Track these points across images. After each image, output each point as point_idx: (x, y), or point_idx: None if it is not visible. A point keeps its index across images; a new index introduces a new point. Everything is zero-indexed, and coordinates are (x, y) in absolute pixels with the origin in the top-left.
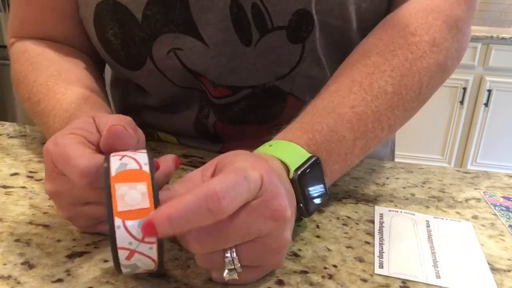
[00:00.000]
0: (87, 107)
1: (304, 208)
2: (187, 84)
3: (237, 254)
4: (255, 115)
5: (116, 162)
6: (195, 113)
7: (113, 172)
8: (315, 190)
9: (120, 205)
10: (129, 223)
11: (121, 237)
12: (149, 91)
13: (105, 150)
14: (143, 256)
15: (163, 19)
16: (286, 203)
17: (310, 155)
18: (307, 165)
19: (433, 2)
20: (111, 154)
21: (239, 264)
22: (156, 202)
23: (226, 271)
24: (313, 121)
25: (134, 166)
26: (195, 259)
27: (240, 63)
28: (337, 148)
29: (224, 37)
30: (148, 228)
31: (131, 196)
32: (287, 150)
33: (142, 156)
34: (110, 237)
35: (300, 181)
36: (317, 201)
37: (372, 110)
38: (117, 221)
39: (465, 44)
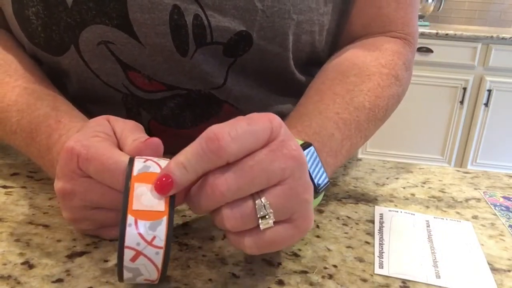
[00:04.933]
0: (75, 112)
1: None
2: (113, 80)
3: (268, 201)
4: (190, 112)
5: (139, 163)
6: (124, 115)
7: (135, 172)
8: (316, 169)
9: (135, 204)
10: (140, 222)
11: (131, 236)
12: (70, 77)
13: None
14: (148, 260)
15: (96, 9)
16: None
17: (302, 142)
18: (303, 147)
19: (396, 45)
20: (136, 157)
21: (271, 210)
22: (171, 208)
23: (260, 220)
24: (301, 120)
25: (157, 169)
26: (225, 222)
27: (176, 67)
28: (328, 142)
29: (160, 41)
30: (165, 181)
31: (148, 197)
32: None
33: (166, 163)
34: (119, 235)
35: None
36: (321, 180)
37: (354, 119)
38: (130, 219)
39: (410, 81)
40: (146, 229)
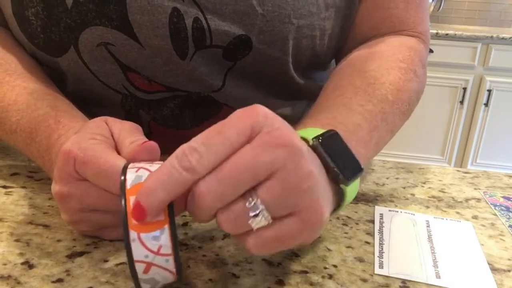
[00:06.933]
0: (75, 112)
1: (339, 171)
2: (113, 81)
3: (259, 198)
4: (190, 113)
5: (132, 174)
6: (123, 116)
7: (128, 184)
8: (343, 155)
9: None
10: (143, 235)
11: (137, 251)
12: (69, 78)
13: (129, 160)
14: (161, 269)
15: (95, 10)
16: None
17: (324, 130)
18: (326, 135)
19: (410, 41)
20: (129, 166)
21: (263, 206)
22: (171, 214)
23: (252, 220)
24: (323, 113)
25: None
26: (223, 227)
27: (175, 69)
28: (355, 132)
29: (159, 44)
30: (136, 209)
31: None
32: (301, 132)
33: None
34: (126, 251)
35: (323, 146)
36: (350, 168)
37: (379, 111)
38: (132, 234)
39: (426, 80)
40: (150, 241)
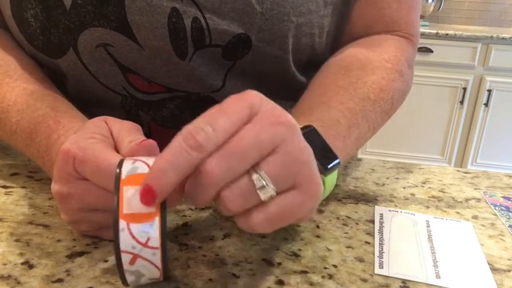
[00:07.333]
0: (75, 112)
1: (318, 162)
2: (112, 82)
3: (264, 171)
4: (190, 114)
5: (128, 165)
6: (123, 117)
7: (123, 175)
8: (321, 147)
9: (126, 208)
10: (133, 226)
11: (125, 240)
12: (69, 79)
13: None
14: (147, 262)
15: (94, 12)
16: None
17: (301, 126)
18: (304, 130)
19: (398, 43)
20: (125, 158)
21: (269, 178)
22: (163, 208)
23: (259, 192)
24: (303, 113)
25: (145, 170)
26: (228, 204)
27: (175, 70)
28: (333, 127)
29: (158, 44)
30: (146, 193)
31: (137, 199)
32: None
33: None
34: (114, 240)
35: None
36: (328, 160)
37: (360, 109)
38: (122, 224)
39: (412, 80)
40: (139, 231)
